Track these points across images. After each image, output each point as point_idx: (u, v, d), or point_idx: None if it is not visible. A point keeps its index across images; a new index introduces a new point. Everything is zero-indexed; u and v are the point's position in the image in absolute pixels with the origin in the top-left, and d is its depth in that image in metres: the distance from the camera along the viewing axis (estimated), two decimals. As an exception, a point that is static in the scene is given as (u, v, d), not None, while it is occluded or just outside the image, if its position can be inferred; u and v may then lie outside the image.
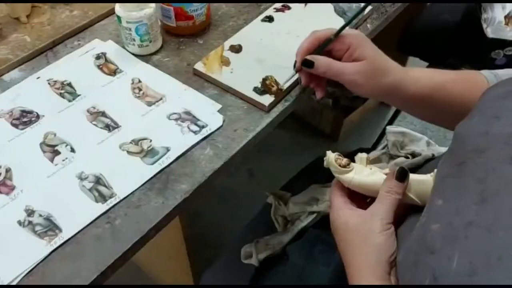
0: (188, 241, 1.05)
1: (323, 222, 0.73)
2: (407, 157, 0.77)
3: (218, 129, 0.69)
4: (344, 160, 0.54)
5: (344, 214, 0.52)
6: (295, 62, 0.65)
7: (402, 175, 0.50)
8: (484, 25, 1.08)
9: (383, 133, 1.52)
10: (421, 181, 0.51)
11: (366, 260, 0.47)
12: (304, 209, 0.79)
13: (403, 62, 1.60)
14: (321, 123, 1.68)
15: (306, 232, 0.75)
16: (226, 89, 0.74)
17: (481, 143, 0.42)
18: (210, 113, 0.71)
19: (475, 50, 1.13)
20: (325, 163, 0.55)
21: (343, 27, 0.61)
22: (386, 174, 0.53)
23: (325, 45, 0.62)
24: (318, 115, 1.66)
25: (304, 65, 0.63)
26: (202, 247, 1.36)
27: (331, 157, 0.54)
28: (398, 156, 0.78)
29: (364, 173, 0.54)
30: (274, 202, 0.82)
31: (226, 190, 1.51)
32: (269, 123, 0.71)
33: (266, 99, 0.72)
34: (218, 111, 0.71)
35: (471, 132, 0.45)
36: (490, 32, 1.07)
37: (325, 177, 0.89)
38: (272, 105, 0.72)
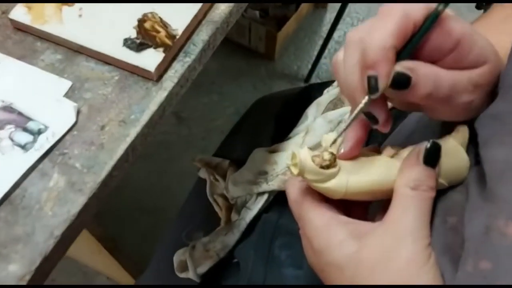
0: (102, 241, 0.86)
1: (278, 200, 0.57)
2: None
3: (70, 130, 0.38)
4: (326, 156, 0.32)
5: (342, 233, 0.32)
6: (370, 78, 0.31)
7: (434, 156, 0.31)
8: None
9: (325, 43, 1.38)
10: (446, 151, 0.32)
11: None
12: (250, 191, 0.62)
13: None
14: (252, 41, 1.50)
15: (258, 222, 0.58)
16: (76, 49, 0.43)
17: None
18: (51, 102, 0.40)
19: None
20: (295, 169, 0.32)
21: None
22: (390, 155, 0.34)
23: (426, 31, 0.31)
24: (247, 32, 1.48)
25: (395, 84, 0.31)
26: (138, 215, 1.18)
27: (306, 157, 0.32)
28: None
29: (356, 166, 0.33)
30: (209, 177, 0.64)
31: (154, 143, 1.28)
32: (164, 101, 0.41)
33: (151, 58, 0.40)
34: (66, 94, 0.40)
35: None
36: None
37: (270, 133, 0.67)
38: (163, 67, 0.41)
